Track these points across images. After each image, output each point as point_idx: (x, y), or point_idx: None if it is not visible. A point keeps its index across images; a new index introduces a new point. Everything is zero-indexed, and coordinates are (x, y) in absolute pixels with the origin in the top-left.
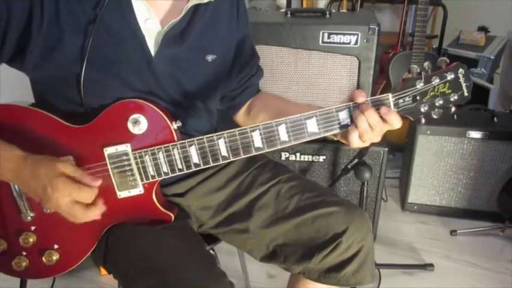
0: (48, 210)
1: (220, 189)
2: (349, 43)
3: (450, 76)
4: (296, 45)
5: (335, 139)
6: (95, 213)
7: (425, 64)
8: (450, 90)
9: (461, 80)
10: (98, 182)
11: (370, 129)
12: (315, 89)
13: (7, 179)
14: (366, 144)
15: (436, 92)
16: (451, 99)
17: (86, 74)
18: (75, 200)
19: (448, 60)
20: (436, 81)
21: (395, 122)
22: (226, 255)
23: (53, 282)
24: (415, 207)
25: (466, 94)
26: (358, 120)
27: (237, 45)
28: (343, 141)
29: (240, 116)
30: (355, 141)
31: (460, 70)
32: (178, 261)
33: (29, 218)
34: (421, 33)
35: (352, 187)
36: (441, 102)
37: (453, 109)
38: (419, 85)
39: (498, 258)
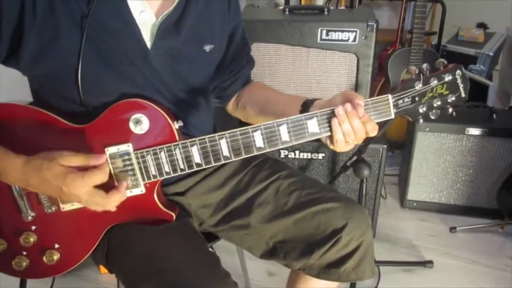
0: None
1: (220, 187)
2: (347, 40)
3: (448, 77)
4: (294, 43)
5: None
6: (118, 198)
7: (424, 65)
8: (448, 92)
9: (459, 81)
10: (103, 158)
11: (353, 132)
12: (313, 87)
13: (17, 185)
14: (351, 146)
15: (434, 93)
16: (449, 100)
17: (83, 69)
18: (93, 186)
19: (446, 62)
20: (434, 82)
21: (370, 129)
22: (225, 253)
23: (53, 281)
24: (415, 204)
25: (463, 95)
26: (341, 124)
27: (228, 36)
28: (330, 146)
29: (230, 106)
30: (342, 145)
31: (458, 72)
32: (182, 261)
33: (30, 217)
34: (419, 30)
35: (351, 184)
36: (439, 103)
37: (450, 110)
38: (418, 86)
39: (497, 255)
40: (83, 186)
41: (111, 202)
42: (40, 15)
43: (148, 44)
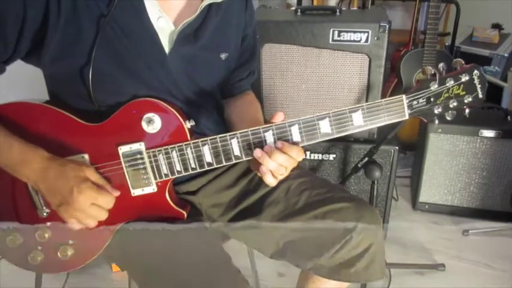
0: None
1: (231, 186)
2: (359, 41)
3: (465, 78)
4: (306, 44)
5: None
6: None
7: (440, 65)
8: (464, 92)
9: (476, 81)
10: (118, 193)
11: (282, 167)
12: (325, 87)
13: (28, 180)
14: (282, 177)
15: (451, 93)
16: (465, 101)
17: (96, 69)
18: (96, 204)
19: (463, 62)
20: (450, 83)
21: (295, 155)
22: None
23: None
24: (427, 206)
25: (480, 96)
26: (265, 162)
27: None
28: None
29: None
30: (271, 181)
31: (475, 72)
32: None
33: (45, 214)
34: (433, 31)
35: (362, 186)
36: (455, 104)
37: (467, 111)
38: (434, 87)
39: (511, 258)
40: (92, 199)
41: (104, 217)
42: (64, 16)
43: (166, 49)
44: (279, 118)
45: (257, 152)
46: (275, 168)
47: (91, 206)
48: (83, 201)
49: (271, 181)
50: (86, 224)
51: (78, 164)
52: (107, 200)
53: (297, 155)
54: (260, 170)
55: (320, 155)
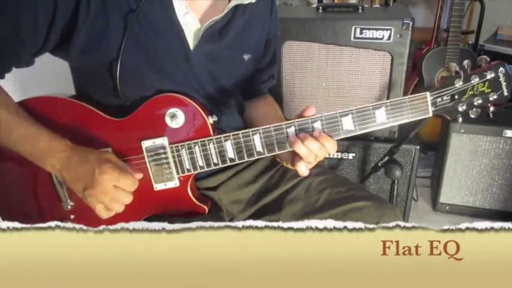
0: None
1: (251, 183)
2: (381, 38)
3: (490, 75)
4: (327, 41)
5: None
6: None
7: (465, 62)
8: (490, 90)
9: (502, 79)
10: (140, 175)
11: (313, 154)
12: (346, 85)
13: (53, 169)
14: (310, 166)
15: (475, 91)
16: (490, 99)
17: (123, 61)
18: (119, 185)
19: (488, 59)
20: (475, 80)
21: (330, 148)
22: None
23: None
24: (447, 207)
25: (505, 93)
26: (297, 147)
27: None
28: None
29: None
30: (304, 170)
31: (501, 69)
32: None
33: (69, 206)
34: (456, 29)
35: (382, 185)
36: (480, 101)
37: (491, 108)
38: (458, 84)
39: None
40: (114, 180)
41: (129, 200)
42: (93, 10)
43: (191, 46)
44: (310, 112)
45: (291, 138)
46: (305, 154)
47: (114, 189)
48: (106, 182)
49: (303, 170)
50: (112, 208)
51: (98, 150)
52: (130, 182)
53: (331, 147)
54: (295, 160)
55: (339, 154)
